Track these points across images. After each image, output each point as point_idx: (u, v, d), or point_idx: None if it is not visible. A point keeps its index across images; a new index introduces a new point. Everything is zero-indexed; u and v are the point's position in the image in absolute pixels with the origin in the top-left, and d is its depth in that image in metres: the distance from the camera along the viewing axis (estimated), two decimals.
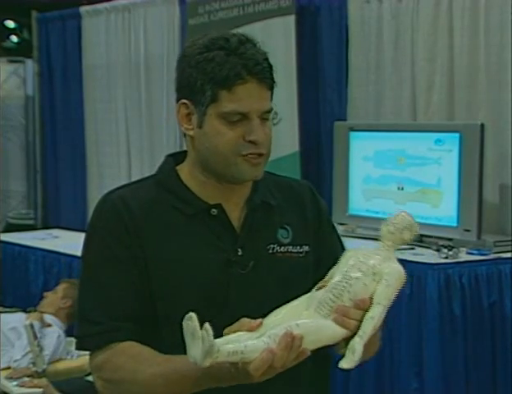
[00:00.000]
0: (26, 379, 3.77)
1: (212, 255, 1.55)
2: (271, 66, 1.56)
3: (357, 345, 1.36)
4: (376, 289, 1.38)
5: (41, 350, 3.90)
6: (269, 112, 1.55)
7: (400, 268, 1.41)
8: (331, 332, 1.37)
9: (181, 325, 1.32)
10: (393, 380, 3.76)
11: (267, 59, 1.55)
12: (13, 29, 8.94)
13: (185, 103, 1.57)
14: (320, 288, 1.43)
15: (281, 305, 1.47)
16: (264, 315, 1.42)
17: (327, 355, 1.67)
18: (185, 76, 1.56)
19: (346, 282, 1.39)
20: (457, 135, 3.93)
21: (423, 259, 3.76)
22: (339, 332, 1.37)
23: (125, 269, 1.54)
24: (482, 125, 3.87)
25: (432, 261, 3.72)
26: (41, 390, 3.66)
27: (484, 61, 4.13)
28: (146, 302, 1.53)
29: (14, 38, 8.96)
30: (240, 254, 1.56)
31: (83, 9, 6.21)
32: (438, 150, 4.03)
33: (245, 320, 1.36)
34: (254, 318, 1.45)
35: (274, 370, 1.32)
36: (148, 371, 1.46)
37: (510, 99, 4.01)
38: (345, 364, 1.37)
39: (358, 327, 1.37)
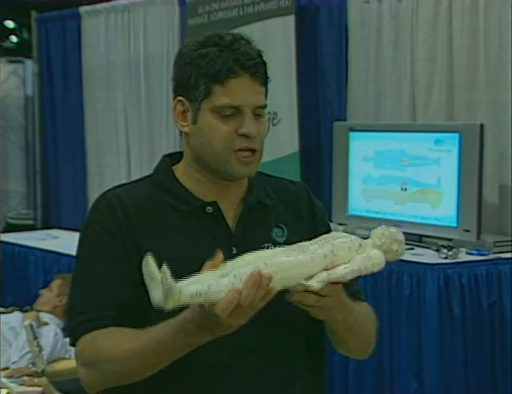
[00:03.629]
0: (26, 378, 3.77)
1: (206, 253, 1.55)
2: (265, 63, 1.58)
3: (321, 275, 1.38)
4: (355, 257, 1.41)
5: (40, 350, 3.90)
6: (263, 107, 1.57)
7: (383, 259, 1.43)
8: (298, 270, 1.38)
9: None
10: (393, 380, 3.76)
11: (260, 56, 1.57)
12: (13, 29, 8.93)
13: (180, 100, 1.60)
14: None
15: (271, 304, 1.49)
16: (258, 314, 1.43)
17: (321, 353, 1.67)
18: (181, 73, 1.59)
19: (333, 239, 1.42)
20: (457, 135, 3.93)
21: (423, 260, 3.77)
22: (305, 271, 1.38)
23: (116, 261, 1.55)
24: (482, 126, 3.87)
25: (432, 261, 3.72)
26: (41, 389, 3.66)
27: (484, 61, 4.13)
28: (137, 297, 1.53)
29: (13, 39, 8.94)
30: (234, 252, 1.56)
31: (82, 9, 6.21)
32: (438, 150, 4.03)
33: (208, 263, 1.38)
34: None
35: (243, 312, 1.33)
36: (126, 345, 1.47)
37: (510, 99, 4.01)
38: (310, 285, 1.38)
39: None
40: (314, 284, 1.37)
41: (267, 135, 1.63)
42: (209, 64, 1.53)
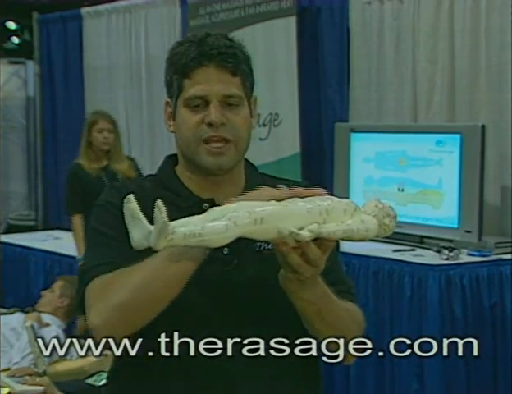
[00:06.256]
0: (28, 378, 3.77)
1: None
2: (236, 55, 1.57)
3: (312, 226, 1.33)
4: (348, 219, 1.37)
5: (41, 351, 3.89)
6: (233, 96, 1.55)
7: (377, 227, 1.39)
8: (293, 220, 1.33)
9: (166, 319, 1.31)
10: (394, 381, 3.76)
11: (232, 47, 1.57)
12: (14, 30, 8.91)
13: (168, 102, 1.62)
14: None
15: (265, 303, 1.49)
16: (249, 312, 1.43)
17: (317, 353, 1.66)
18: (164, 75, 1.62)
19: (329, 199, 1.39)
20: (458, 136, 3.93)
21: (424, 261, 3.77)
22: (299, 222, 1.33)
23: (125, 234, 1.51)
24: (483, 127, 3.87)
25: (433, 262, 3.72)
26: (42, 388, 3.66)
27: (485, 62, 4.13)
28: None
29: (15, 40, 8.92)
30: (225, 252, 1.55)
31: (84, 10, 6.22)
32: (439, 151, 4.03)
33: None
34: (237, 315, 1.48)
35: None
36: (137, 274, 1.42)
37: (511, 101, 4.02)
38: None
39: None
40: (304, 233, 1.32)
41: (252, 126, 1.61)
42: (179, 60, 1.56)
